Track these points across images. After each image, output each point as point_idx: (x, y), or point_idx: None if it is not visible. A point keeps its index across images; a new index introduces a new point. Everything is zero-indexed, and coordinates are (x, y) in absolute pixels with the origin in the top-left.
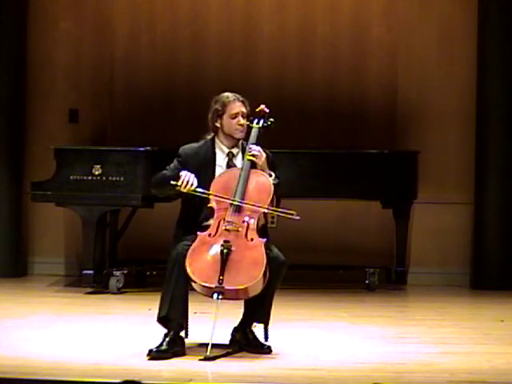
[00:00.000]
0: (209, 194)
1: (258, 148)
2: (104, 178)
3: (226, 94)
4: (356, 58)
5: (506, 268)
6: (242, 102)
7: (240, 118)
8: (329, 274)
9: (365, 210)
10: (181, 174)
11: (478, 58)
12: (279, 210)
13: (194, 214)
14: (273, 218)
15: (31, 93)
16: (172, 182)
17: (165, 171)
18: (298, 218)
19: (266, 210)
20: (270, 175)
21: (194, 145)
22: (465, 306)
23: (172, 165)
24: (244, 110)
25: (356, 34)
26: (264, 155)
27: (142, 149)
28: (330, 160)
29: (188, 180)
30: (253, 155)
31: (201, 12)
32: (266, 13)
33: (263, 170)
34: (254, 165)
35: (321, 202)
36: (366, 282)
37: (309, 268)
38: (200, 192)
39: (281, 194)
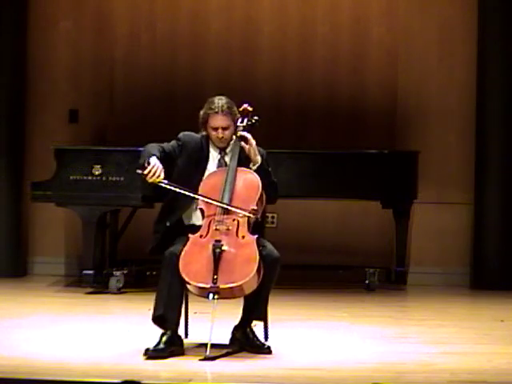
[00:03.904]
0: (176, 187)
1: (248, 134)
2: (104, 178)
3: (215, 101)
4: (356, 58)
5: (506, 268)
6: (226, 114)
7: (219, 131)
8: (329, 274)
9: (365, 210)
10: (150, 160)
11: (477, 57)
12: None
13: (173, 209)
14: (273, 217)
15: (31, 93)
16: (138, 171)
17: (158, 145)
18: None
19: (247, 214)
20: (258, 161)
21: (195, 135)
22: (465, 305)
23: (170, 144)
24: (226, 123)
25: (356, 34)
26: (254, 141)
27: (142, 149)
28: (330, 160)
29: (155, 171)
30: (241, 139)
31: (201, 12)
32: (266, 13)
33: (252, 159)
34: (244, 153)
35: (321, 201)
36: (366, 281)
37: (309, 268)
38: (165, 184)
39: (280, 193)
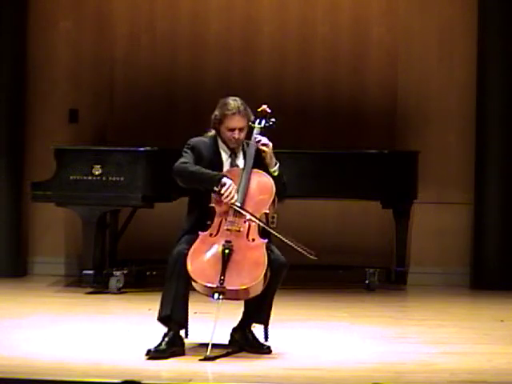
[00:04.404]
0: (246, 211)
1: (266, 138)
2: (104, 178)
3: (231, 102)
4: (356, 58)
5: (506, 268)
6: (242, 115)
7: (236, 131)
8: (329, 274)
9: (365, 210)
10: (224, 181)
11: (477, 57)
12: (293, 243)
13: (204, 212)
14: (273, 218)
15: (31, 93)
16: (215, 189)
17: (186, 162)
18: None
19: (264, 225)
20: (276, 163)
21: (203, 139)
22: (465, 305)
23: (189, 157)
24: (243, 124)
25: (356, 34)
26: (271, 144)
27: (142, 149)
28: (330, 160)
29: (231, 191)
30: (262, 144)
31: (201, 12)
32: (266, 13)
33: (269, 163)
34: (260, 156)
35: (321, 201)
36: (366, 281)
37: (309, 268)
38: (237, 207)
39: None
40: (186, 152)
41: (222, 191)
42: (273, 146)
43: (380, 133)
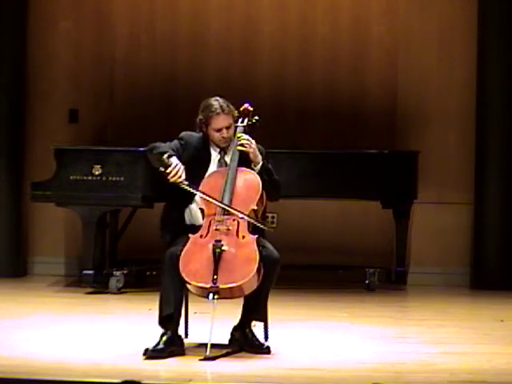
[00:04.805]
0: (195, 189)
1: (247, 136)
2: (104, 178)
3: (214, 103)
4: (356, 58)
5: (506, 268)
6: (227, 113)
7: (224, 131)
8: (329, 274)
9: (365, 210)
10: (171, 161)
11: (478, 58)
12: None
13: (176, 210)
14: (273, 217)
15: (31, 93)
16: (161, 169)
17: (165, 144)
18: (272, 227)
19: (247, 218)
20: (259, 162)
21: (195, 134)
22: (465, 305)
23: (173, 143)
24: (229, 122)
25: (356, 33)
26: (254, 142)
27: (142, 149)
28: (330, 160)
29: (178, 170)
30: (242, 145)
31: (201, 12)
32: (266, 13)
33: (254, 161)
34: (244, 154)
35: (321, 201)
36: (366, 281)
37: (309, 268)
38: (186, 185)
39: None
40: (173, 139)
41: (168, 170)
42: (272, 146)
43: (380, 133)
